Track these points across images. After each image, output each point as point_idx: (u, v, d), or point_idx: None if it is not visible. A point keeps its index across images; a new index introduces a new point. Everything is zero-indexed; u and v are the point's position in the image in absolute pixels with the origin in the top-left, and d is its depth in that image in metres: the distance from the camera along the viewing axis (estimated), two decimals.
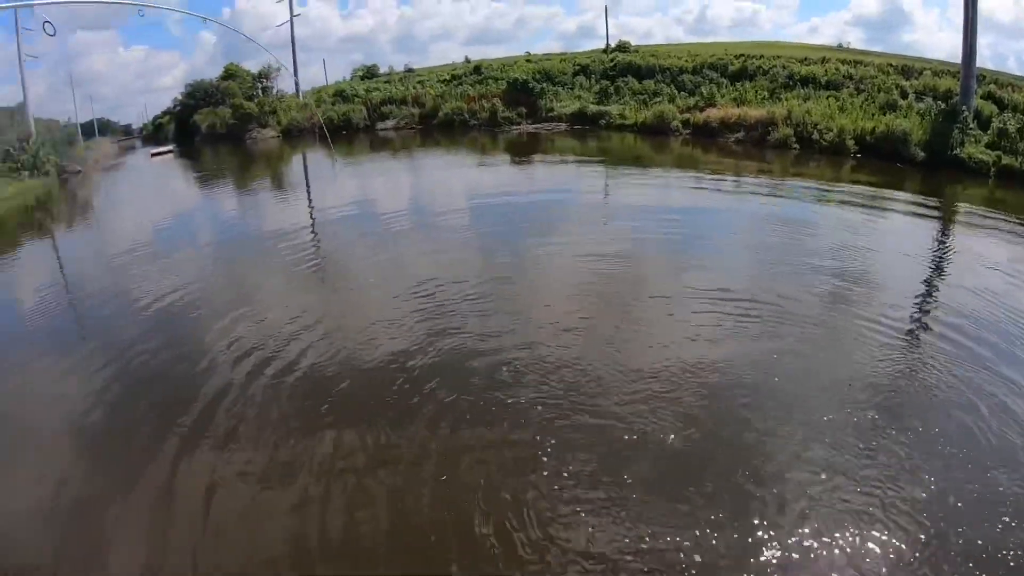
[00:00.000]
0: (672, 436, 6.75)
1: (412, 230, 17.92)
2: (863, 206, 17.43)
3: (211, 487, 6.74)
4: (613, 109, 38.50)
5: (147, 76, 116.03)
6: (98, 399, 9.08)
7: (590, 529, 5.67)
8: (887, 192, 19.43)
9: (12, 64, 57.81)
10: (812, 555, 5.21)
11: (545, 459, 6.60)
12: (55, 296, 15.95)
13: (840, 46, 46.43)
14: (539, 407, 7.57)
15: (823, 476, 6.01)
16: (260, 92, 68.31)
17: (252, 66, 70.69)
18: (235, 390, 8.84)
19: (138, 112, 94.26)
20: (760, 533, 5.40)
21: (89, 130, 79.64)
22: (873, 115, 26.79)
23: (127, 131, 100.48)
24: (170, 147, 62.38)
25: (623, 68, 43.75)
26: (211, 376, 9.37)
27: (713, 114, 32.04)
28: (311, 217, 22.31)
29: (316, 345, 10.13)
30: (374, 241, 16.91)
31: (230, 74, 69.43)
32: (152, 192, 39.35)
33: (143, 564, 5.78)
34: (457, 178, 27.31)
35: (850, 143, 25.12)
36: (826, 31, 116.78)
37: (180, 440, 7.66)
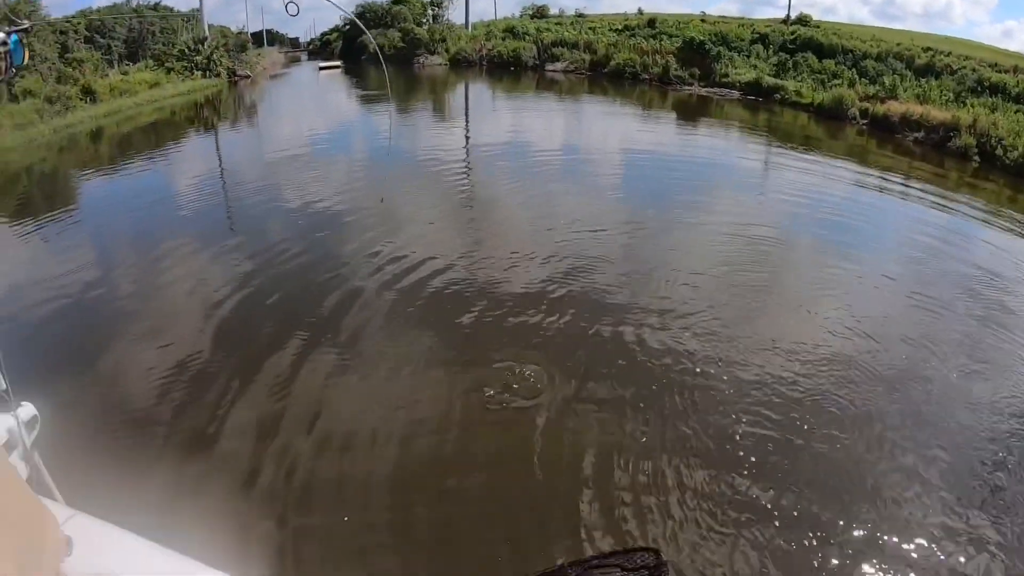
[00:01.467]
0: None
1: (563, 172, 18.87)
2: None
3: (324, 389, 7.59)
4: (790, 85, 38.02)
5: None
6: (236, 288, 10.36)
7: None
8: None
9: None
10: None
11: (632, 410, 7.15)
12: (212, 187, 18.35)
13: None
14: (654, 361, 8.10)
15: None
16: (431, 19, 70.76)
17: None
18: (364, 299, 9.77)
19: (305, 27, 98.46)
20: None
21: (259, 40, 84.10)
22: None
23: (294, 44, 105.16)
24: (338, 63, 65.53)
25: (803, 43, 43.27)
26: (343, 282, 10.44)
27: (894, 107, 31.39)
28: (465, 145, 24.11)
29: (452, 267, 10.94)
30: (523, 177, 17.98)
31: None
32: (315, 102, 42.64)
33: (246, 446, 6.67)
34: (619, 129, 28.36)
35: None
36: (1021, 36, 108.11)
37: (302, 341, 8.60)
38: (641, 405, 7.24)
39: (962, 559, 5.29)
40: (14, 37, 1.84)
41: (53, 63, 39.55)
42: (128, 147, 27.11)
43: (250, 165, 21.24)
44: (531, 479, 6.12)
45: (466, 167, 19.71)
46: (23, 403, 2.99)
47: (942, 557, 5.30)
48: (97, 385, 7.86)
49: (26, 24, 1.92)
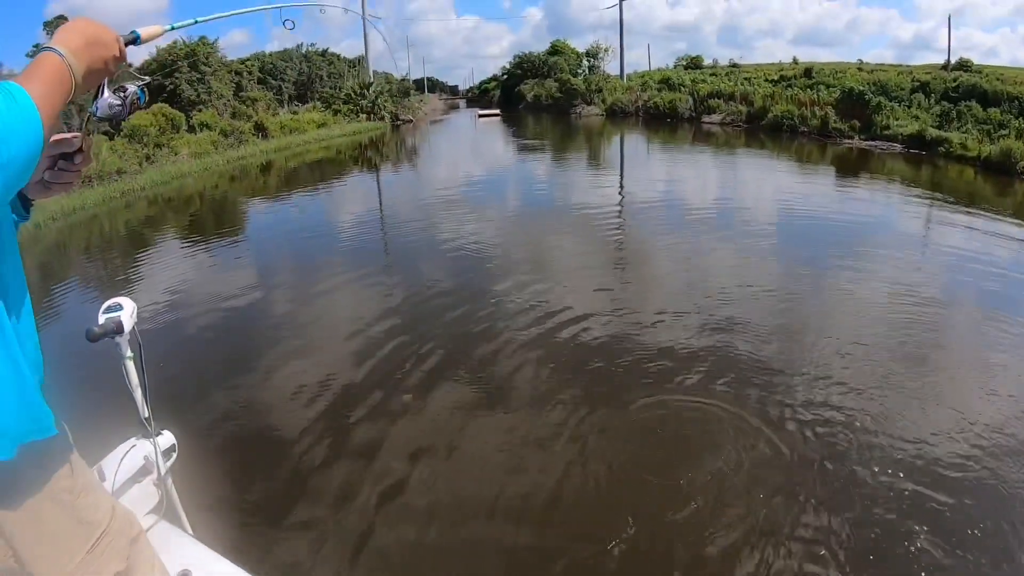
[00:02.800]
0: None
1: (718, 229, 18.80)
2: None
3: (458, 432, 7.49)
4: (954, 137, 37.33)
5: (475, 44, 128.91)
6: (382, 320, 10.87)
7: None
8: None
9: (357, 22, 68.35)
10: None
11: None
12: (371, 221, 20.64)
13: None
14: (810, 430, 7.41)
15: None
16: (587, 70, 74.26)
17: (578, 44, 77.00)
18: (503, 345, 9.88)
19: (464, 76, 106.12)
20: None
21: (420, 86, 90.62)
22: None
23: (453, 91, 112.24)
24: (496, 111, 69.98)
25: (966, 90, 42.60)
26: (483, 325, 10.69)
27: None
28: (619, 198, 25.10)
29: (592, 321, 10.81)
30: (675, 233, 18.11)
31: (556, 50, 76.18)
32: (473, 148, 45.46)
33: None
34: (776, 186, 28.38)
35: None
36: None
37: (430, 376, 8.83)
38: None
39: None
40: (141, 91, 2.11)
41: (228, 100, 45.23)
42: (295, 180, 30.95)
43: (407, 203, 23.72)
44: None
45: (620, 222, 20.61)
46: (163, 431, 3.25)
47: None
48: (239, 414, 8.16)
49: (147, 79, 2.24)
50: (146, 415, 3.05)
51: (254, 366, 9.56)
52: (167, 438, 3.25)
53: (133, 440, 3.18)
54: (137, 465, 3.10)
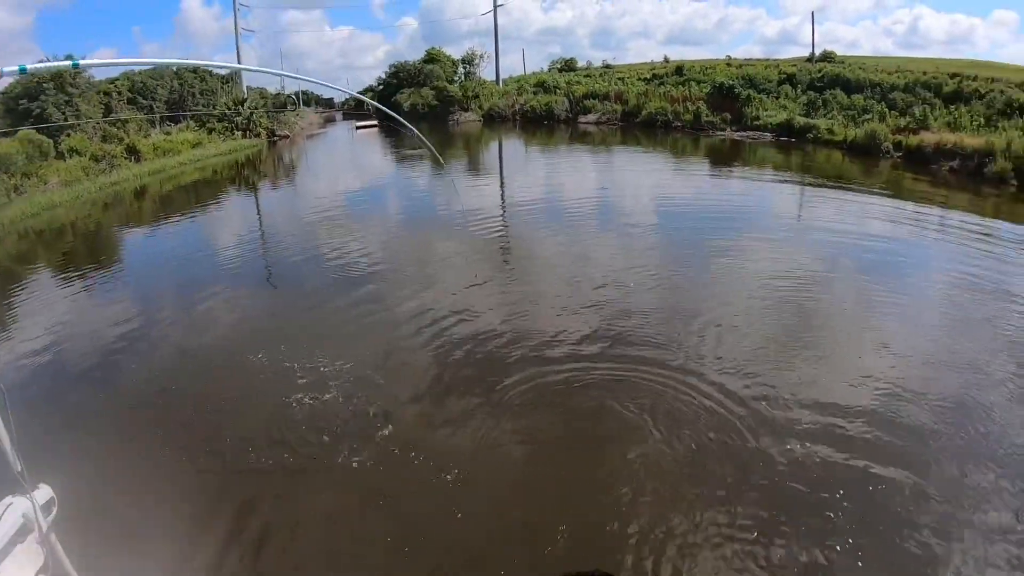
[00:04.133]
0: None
1: (600, 224, 19.23)
2: None
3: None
4: (821, 123, 38.58)
5: (350, 55, 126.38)
6: (270, 345, 10.52)
7: None
8: None
9: (229, 36, 65.59)
10: None
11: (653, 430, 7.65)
12: (252, 243, 19.37)
13: None
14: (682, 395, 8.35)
15: None
16: (463, 77, 73.17)
17: (453, 52, 75.90)
18: (399, 352, 10.13)
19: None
20: None
21: (295, 100, 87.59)
22: None
23: (329, 104, 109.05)
24: (374, 122, 67.91)
25: (831, 80, 44.04)
26: (378, 335, 10.82)
27: (927, 138, 31.59)
28: (500, 201, 24.59)
29: (480, 322, 11.12)
30: (557, 230, 18.29)
31: (432, 58, 74.86)
32: (353, 161, 44.11)
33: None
34: (653, 178, 28.86)
35: None
36: None
37: (323, 389, 8.99)
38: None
39: None
40: None
41: (98, 123, 41.99)
42: (171, 205, 28.85)
43: (290, 224, 22.35)
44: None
45: (504, 223, 20.28)
46: (40, 485, 3.03)
47: None
48: (123, 458, 7.74)
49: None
50: (19, 469, 2.84)
51: (137, 403, 9.21)
52: (45, 492, 3.00)
53: (9, 498, 2.90)
54: (16, 525, 2.79)
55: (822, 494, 6.48)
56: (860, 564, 5.60)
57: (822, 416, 7.88)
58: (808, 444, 7.26)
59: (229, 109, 53.77)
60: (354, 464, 7.36)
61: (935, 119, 34.35)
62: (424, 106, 66.93)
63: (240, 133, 51.85)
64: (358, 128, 66.26)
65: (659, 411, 8.08)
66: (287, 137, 57.13)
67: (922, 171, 29.36)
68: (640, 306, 11.81)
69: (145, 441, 8.05)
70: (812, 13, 54.63)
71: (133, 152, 38.35)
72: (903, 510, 6.24)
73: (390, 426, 8.08)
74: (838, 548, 5.75)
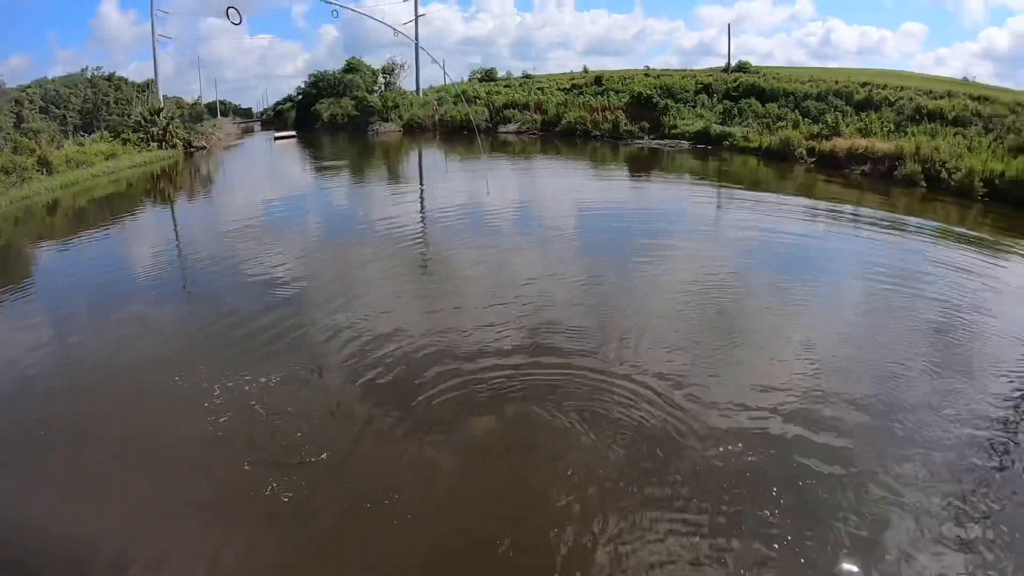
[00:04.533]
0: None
1: (521, 234, 18.81)
2: (985, 254, 16.62)
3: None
4: (737, 131, 39.16)
5: (269, 63, 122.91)
6: (186, 361, 9.89)
7: None
8: (1011, 242, 18.25)
9: (146, 42, 62.99)
10: None
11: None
12: (170, 258, 18.03)
13: (966, 79, 46.03)
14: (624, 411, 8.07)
15: None
16: (383, 87, 71.79)
17: (373, 62, 74.44)
18: (321, 370, 9.58)
19: (258, 97, 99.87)
20: None
21: (212, 110, 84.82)
22: (1003, 157, 26.24)
23: (247, 114, 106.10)
24: (292, 132, 65.94)
25: (746, 89, 44.62)
26: (298, 356, 10.06)
27: (839, 144, 32.33)
28: (419, 211, 23.95)
29: (403, 334, 10.67)
30: (478, 240, 17.72)
31: (352, 67, 73.12)
32: (271, 172, 42.51)
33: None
34: (572, 185, 28.59)
35: (978, 185, 24.69)
36: (953, 63, 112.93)
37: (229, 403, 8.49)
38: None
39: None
40: None
41: (8, 133, 39.28)
42: (85, 220, 26.41)
43: (208, 238, 20.69)
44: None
45: (424, 233, 19.61)
46: None
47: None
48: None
49: None
50: None
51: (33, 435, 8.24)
52: None
53: None
54: None
55: (754, 487, 6.64)
56: (798, 550, 5.78)
57: (749, 411, 8.04)
58: (737, 440, 7.42)
59: (145, 119, 51.10)
60: (284, 498, 6.72)
61: (847, 125, 35.24)
62: (344, 116, 65.25)
63: (156, 144, 49.25)
64: (277, 139, 64.17)
65: (587, 414, 8.03)
66: (204, 148, 54.61)
67: (835, 175, 30.18)
68: (563, 312, 11.69)
69: (41, 479, 7.35)
70: (728, 25, 56.41)
71: (45, 164, 35.55)
72: (833, 499, 6.43)
73: (319, 448, 7.55)
74: (775, 541, 5.89)
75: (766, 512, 6.24)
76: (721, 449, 7.27)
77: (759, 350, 10.12)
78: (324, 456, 7.37)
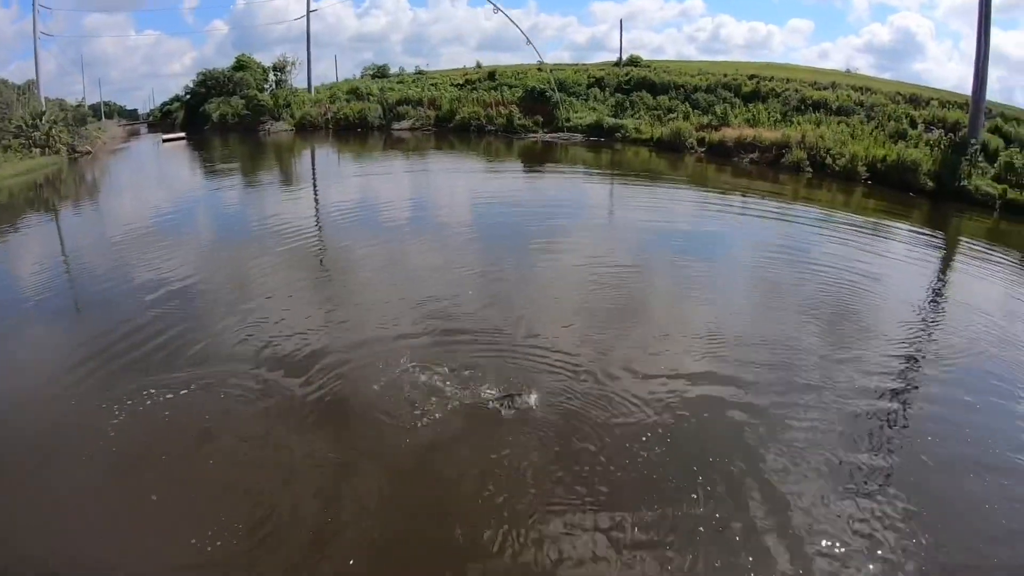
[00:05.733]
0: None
1: (416, 230, 18.30)
2: (868, 233, 18.17)
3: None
4: (629, 123, 39.34)
5: (155, 62, 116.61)
6: (77, 378, 9.24)
7: None
8: (894, 221, 20.26)
9: (27, 39, 58.49)
10: None
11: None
12: (57, 271, 16.43)
13: (848, 71, 47.72)
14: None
15: None
16: (274, 85, 69.03)
17: (264, 59, 71.47)
18: (214, 375, 9.05)
19: (144, 98, 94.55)
20: None
21: (97, 112, 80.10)
22: (883, 143, 27.69)
23: (133, 116, 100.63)
24: (181, 134, 62.73)
25: (638, 82, 44.68)
26: (196, 367, 9.45)
27: (728, 133, 32.99)
28: (313, 212, 23.00)
29: (302, 338, 10.25)
30: (373, 238, 17.28)
31: (242, 65, 69.87)
32: (160, 177, 39.91)
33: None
34: (467, 182, 28.13)
35: (861, 169, 26.06)
36: (836, 56, 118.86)
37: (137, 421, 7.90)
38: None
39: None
40: None
41: None
42: None
43: (96, 246, 19.12)
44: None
45: (319, 232, 18.89)
46: None
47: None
48: None
49: None
50: None
51: None
52: None
53: None
54: None
55: (663, 448, 6.96)
56: (716, 516, 6.00)
57: (659, 386, 8.24)
58: (650, 414, 7.61)
59: (27, 123, 47.01)
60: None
61: (735, 116, 35.73)
62: (234, 116, 62.10)
63: (39, 150, 45.41)
64: (165, 141, 60.68)
65: (492, 407, 7.89)
66: (89, 153, 50.85)
67: (725, 163, 30.92)
68: (464, 306, 11.47)
69: None
70: (620, 21, 56.95)
71: None
72: (746, 463, 6.74)
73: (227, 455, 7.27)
74: (694, 506, 6.15)
75: (676, 473, 6.57)
76: (635, 421, 7.47)
77: (661, 327, 10.46)
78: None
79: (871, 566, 5.55)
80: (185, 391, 8.62)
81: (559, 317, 10.70)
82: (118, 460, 7.22)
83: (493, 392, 8.08)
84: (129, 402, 8.35)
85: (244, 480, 6.76)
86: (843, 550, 5.67)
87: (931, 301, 12.69)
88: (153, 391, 8.60)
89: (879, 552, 5.69)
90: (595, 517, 6.00)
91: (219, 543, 5.85)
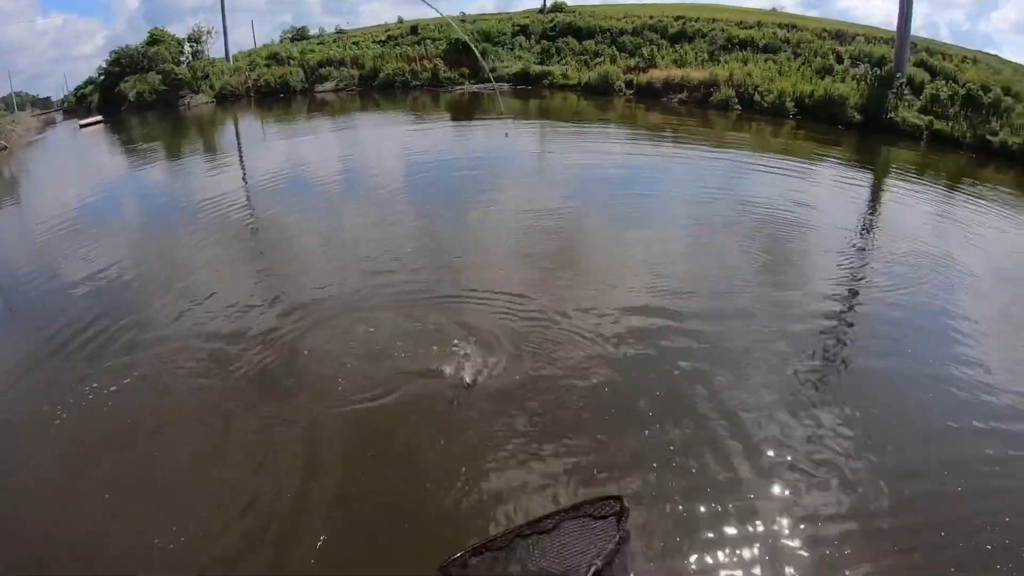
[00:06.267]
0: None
1: (349, 192, 18.07)
2: (799, 166, 18.44)
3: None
4: (556, 69, 38.77)
5: (65, 44, 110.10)
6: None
7: None
8: (824, 153, 20.65)
9: None
10: None
11: None
12: None
13: (774, 9, 47.55)
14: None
15: None
16: (191, 57, 66.02)
17: (179, 30, 68.21)
18: (149, 362, 8.68)
19: (56, 84, 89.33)
20: None
21: (9, 105, 75.96)
22: (811, 79, 27.75)
23: (46, 104, 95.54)
24: (99, 117, 59.87)
25: (563, 28, 43.83)
26: (135, 351, 9.12)
27: (656, 75, 32.73)
28: (243, 184, 22.07)
29: (236, 311, 9.96)
30: (303, 205, 16.87)
31: (156, 39, 66.47)
32: (80, 165, 38.05)
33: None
34: (395, 139, 27.20)
35: (789, 105, 26.12)
36: None
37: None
38: None
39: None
40: None
41: None
42: None
43: (22, 246, 17.69)
44: None
45: (248, 204, 18.16)
46: None
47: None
48: None
49: None
50: None
51: None
52: None
53: None
54: None
55: (623, 394, 6.88)
56: (671, 448, 6.07)
57: (601, 319, 8.32)
58: (595, 345, 7.73)
59: None
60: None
61: (662, 57, 35.42)
62: (151, 92, 58.97)
63: None
64: (82, 127, 57.68)
65: (442, 356, 7.75)
66: (4, 148, 48.04)
67: (654, 104, 30.84)
68: (403, 260, 11.18)
69: None
70: None
71: None
72: (700, 395, 6.82)
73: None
74: (644, 424, 6.32)
75: (625, 397, 6.70)
76: (575, 349, 7.61)
77: (600, 265, 10.51)
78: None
79: (819, 470, 5.79)
80: (128, 379, 8.26)
81: (498, 262, 10.69)
82: (68, 455, 6.90)
83: (438, 341, 7.98)
84: (72, 398, 7.96)
85: (202, 461, 6.60)
86: (789, 457, 5.92)
87: (863, 228, 13.01)
88: (95, 384, 8.22)
89: (826, 456, 5.95)
90: (550, 446, 6.06)
91: (184, 530, 5.55)
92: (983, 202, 15.77)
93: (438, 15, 31.72)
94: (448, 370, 7.40)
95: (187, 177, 24.15)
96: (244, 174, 23.51)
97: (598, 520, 4.71)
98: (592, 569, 4.19)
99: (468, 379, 7.20)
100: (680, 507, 5.46)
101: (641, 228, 12.23)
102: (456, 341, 7.92)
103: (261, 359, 8.28)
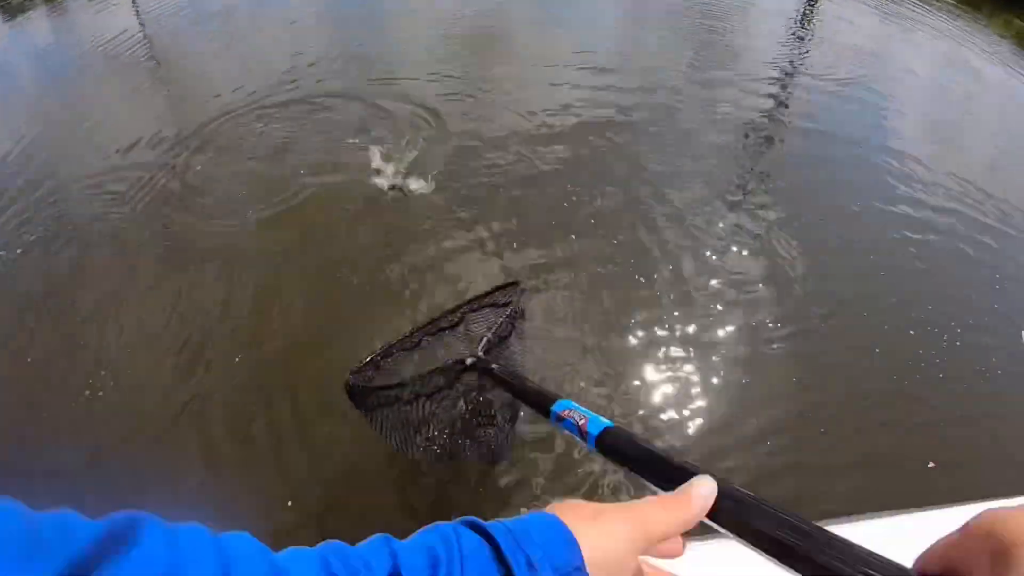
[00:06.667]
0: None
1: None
2: None
3: None
4: None
5: None
6: None
7: None
8: None
9: None
10: None
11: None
12: None
13: None
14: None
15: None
16: None
17: None
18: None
19: None
20: None
21: None
22: None
23: None
24: None
25: None
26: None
27: None
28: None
29: (139, 130, 8.11)
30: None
31: None
32: None
33: None
34: None
35: None
36: None
37: None
38: None
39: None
40: None
41: None
42: None
43: None
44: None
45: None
46: None
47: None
48: None
49: None
50: None
51: None
52: None
53: None
54: None
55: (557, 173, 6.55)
56: (600, 230, 5.73)
57: (534, 116, 7.66)
58: (529, 140, 7.17)
59: None
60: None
61: None
62: None
63: None
64: None
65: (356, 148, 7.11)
66: None
67: None
68: (317, 64, 9.50)
69: None
70: None
71: None
72: (631, 175, 6.51)
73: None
74: (586, 217, 5.90)
75: (563, 190, 6.36)
76: (508, 147, 7.16)
77: (531, 56, 9.72)
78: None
79: (756, 263, 5.54)
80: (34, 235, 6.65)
81: (423, 62, 9.65)
82: None
83: (359, 139, 7.31)
84: None
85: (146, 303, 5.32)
86: (725, 258, 5.57)
87: (804, 15, 11.80)
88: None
89: (750, 227, 5.81)
90: (493, 242, 5.69)
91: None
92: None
93: None
94: (363, 159, 6.94)
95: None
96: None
97: (499, 307, 4.39)
98: (483, 341, 3.80)
99: (384, 167, 6.77)
100: (589, 274, 5.29)
101: (568, 20, 11.37)
102: (378, 141, 7.27)
103: (170, 177, 7.03)
